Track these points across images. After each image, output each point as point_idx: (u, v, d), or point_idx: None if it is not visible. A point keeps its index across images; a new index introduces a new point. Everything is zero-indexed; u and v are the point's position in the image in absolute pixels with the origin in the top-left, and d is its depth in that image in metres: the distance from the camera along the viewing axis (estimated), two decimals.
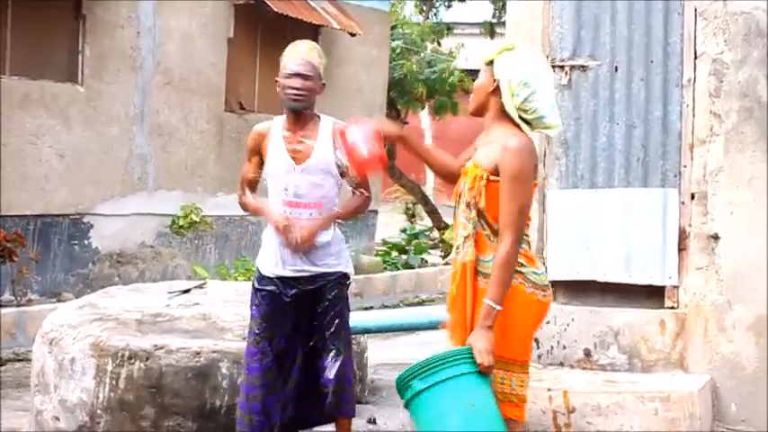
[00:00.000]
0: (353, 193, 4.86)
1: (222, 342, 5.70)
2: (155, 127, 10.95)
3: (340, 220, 4.83)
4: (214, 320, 6.04)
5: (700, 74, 5.87)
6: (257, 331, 4.81)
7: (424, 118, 22.62)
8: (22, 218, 9.63)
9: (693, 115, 5.87)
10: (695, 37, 5.86)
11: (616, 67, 6.04)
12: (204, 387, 5.51)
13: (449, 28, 18.42)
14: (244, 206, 5.03)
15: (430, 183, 23.66)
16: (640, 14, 6.00)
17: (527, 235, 3.97)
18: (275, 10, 11.46)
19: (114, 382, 5.56)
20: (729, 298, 5.78)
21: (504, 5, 16.93)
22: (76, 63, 10.19)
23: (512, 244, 3.80)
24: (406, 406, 3.80)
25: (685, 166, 5.89)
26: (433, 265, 14.17)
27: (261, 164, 4.87)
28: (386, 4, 14.51)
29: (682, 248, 5.87)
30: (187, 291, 6.76)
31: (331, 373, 4.71)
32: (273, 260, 4.81)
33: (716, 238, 5.83)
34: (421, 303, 12.70)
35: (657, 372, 5.78)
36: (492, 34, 18.23)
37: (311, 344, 4.80)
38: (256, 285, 4.87)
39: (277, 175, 4.78)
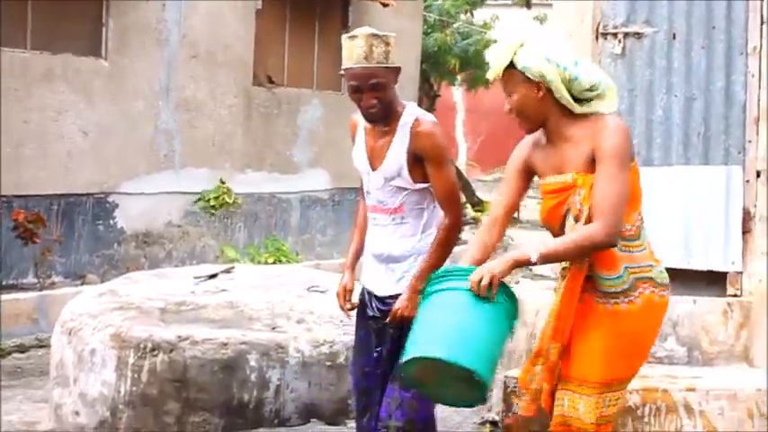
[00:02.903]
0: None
1: (251, 333, 5.43)
2: (181, 102, 10.66)
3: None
4: (242, 309, 5.77)
5: (766, 41, 5.45)
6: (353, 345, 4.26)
7: (456, 91, 22.28)
8: (45, 197, 9.35)
9: (759, 86, 5.49)
10: (762, 1, 5.45)
11: (674, 35, 5.67)
12: (231, 381, 5.27)
13: None
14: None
15: (462, 157, 23.35)
16: None
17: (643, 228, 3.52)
18: None
19: (136, 376, 5.30)
20: None
21: None
22: (100, 36, 9.89)
23: (602, 231, 3.28)
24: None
25: (750, 142, 5.51)
26: (465, 242, 13.76)
27: None
28: None
29: (746, 231, 5.51)
30: (214, 276, 6.48)
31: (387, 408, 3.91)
32: (366, 266, 4.17)
33: None
34: None
35: (719, 365, 5.39)
36: (528, 4, 17.84)
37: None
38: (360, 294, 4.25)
39: (361, 176, 4.14)
